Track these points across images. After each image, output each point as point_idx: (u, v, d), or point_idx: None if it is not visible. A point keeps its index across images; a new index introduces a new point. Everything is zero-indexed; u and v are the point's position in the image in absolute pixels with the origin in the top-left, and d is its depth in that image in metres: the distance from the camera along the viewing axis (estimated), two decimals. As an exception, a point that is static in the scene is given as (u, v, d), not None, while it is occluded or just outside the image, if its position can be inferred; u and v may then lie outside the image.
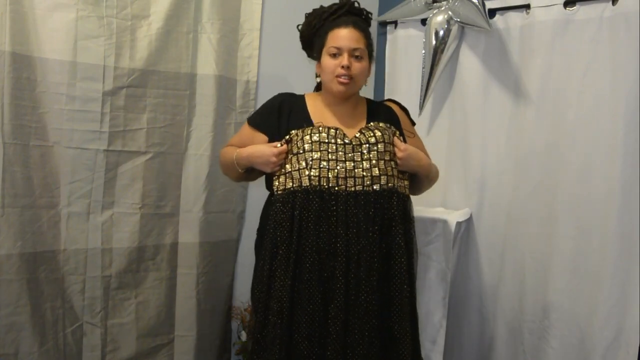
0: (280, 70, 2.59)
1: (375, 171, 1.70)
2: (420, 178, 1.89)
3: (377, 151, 1.72)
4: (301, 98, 1.86)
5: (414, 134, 1.94)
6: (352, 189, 1.68)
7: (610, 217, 1.94)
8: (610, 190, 1.95)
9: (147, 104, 2.24)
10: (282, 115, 1.81)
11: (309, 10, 1.92)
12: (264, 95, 2.53)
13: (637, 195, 1.90)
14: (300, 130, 1.74)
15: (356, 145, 1.72)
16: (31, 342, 2.08)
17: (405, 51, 2.61)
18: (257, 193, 2.56)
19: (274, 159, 1.73)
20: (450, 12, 2.28)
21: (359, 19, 1.82)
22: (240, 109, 2.48)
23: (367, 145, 1.72)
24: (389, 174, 1.73)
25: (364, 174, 1.69)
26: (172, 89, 2.29)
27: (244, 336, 2.48)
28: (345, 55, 1.72)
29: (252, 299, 1.79)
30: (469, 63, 2.37)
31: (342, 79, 1.73)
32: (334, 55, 1.74)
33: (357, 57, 1.74)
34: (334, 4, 1.85)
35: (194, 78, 2.34)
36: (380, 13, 2.74)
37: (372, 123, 1.80)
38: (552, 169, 2.13)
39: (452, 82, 2.45)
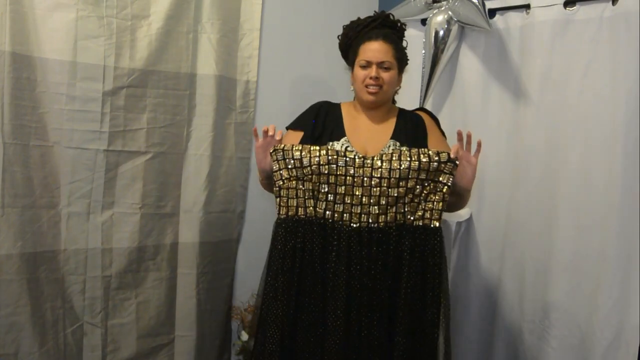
0: (280, 70, 2.59)
1: (383, 207, 1.63)
2: (460, 201, 1.80)
3: (389, 183, 1.62)
4: (337, 106, 1.93)
5: (445, 145, 1.88)
6: (356, 224, 1.65)
7: (610, 217, 1.94)
8: (610, 190, 1.95)
9: (147, 104, 2.25)
10: (319, 116, 1.88)
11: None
12: (264, 95, 2.55)
13: (637, 195, 1.90)
14: (303, 148, 1.69)
15: (366, 178, 1.63)
16: (31, 342, 2.08)
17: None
18: (257, 193, 2.56)
19: (258, 149, 1.76)
20: (450, 12, 2.28)
21: (390, 31, 1.89)
22: (240, 109, 2.48)
23: (379, 175, 1.63)
24: (398, 210, 1.63)
25: (370, 210, 1.63)
26: (172, 89, 2.29)
27: (244, 336, 2.48)
28: (374, 67, 1.80)
29: (259, 318, 1.79)
30: (469, 63, 2.37)
31: (370, 89, 1.81)
32: (364, 67, 1.83)
33: (385, 68, 1.82)
34: (369, 17, 1.92)
35: (194, 78, 2.34)
36: (380, 13, 2.74)
37: (392, 148, 1.76)
38: (552, 169, 2.13)
39: (452, 82, 2.45)
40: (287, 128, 1.94)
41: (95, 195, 2.19)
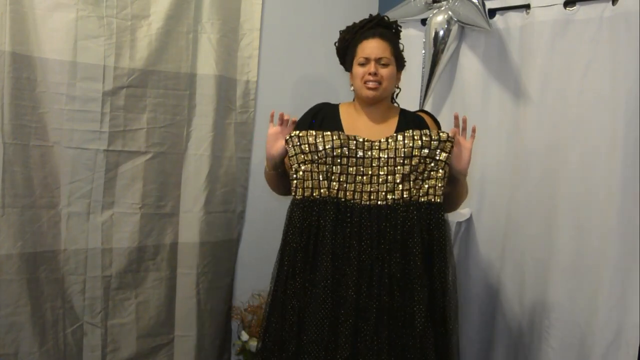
0: (280, 70, 2.59)
1: (390, 185, 1.73)
2: (459, 189, 1.86)
3: (395, 162, 1.73)
4: (336, 107, 1.95)
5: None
6: (367, 202, 1.74)
7: (610, 217, 1.94)
8: (610, 190, 1.95)
9: (147, 104, 2.24)
10: (316, 120, 1.91)
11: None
12: (264, 95, 2.55)
13: (637, 195, 1.90)
14: (317, 134, 1.77)
15: (374, 159, 1.75)
16: (31, 342, 2.08)
17: (405, 51, 2.60)
18: (257, 193, 2.56)
19: (270, 135, 1.84)
20: (450, 12, 2.28)
21: (387, 31, 1.91)
22: (240, 109, 2.48)
23: (386, 156, 1.74)
24: (404, 187, 1.73)
25: (379, 188, 1.73)
26: (172, 89, 2.29)
27: (244, 336, 2.48)
28: (372, 63, 1.83)
29: (272, 299, 1.82)
30: (469, 63, 2.37)
31: (369, 85, 1.83)
32: (362, 65, 1.85)
33: (383, 64, 1.84)
34: (364, 19, 1.94)
35: (194, 78, 2.34)
36: (380, 13, 2.73)
37: (399, 132, 1.81)
38: (552, 169, 2.13)
39: (452, 82, 2.45)
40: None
41: (95, 195, 2.19)
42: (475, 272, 2.38)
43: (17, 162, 2.02)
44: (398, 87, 2.00)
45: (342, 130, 1.85)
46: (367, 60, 1.84)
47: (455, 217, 2.21)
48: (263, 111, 2.54)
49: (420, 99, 2.43)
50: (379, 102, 1.88)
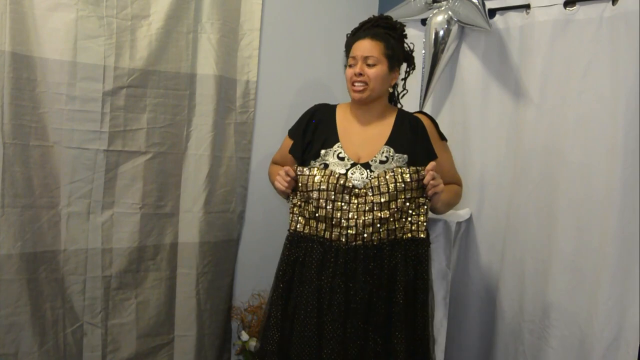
0: (280, 70, 2.59)
1: (376, 227, 1.74)
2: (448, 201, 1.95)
3: (381, 206, 1.74)
4: (333, 109, 1.94)
5: (443, 149, 1.96)
6: (353, 243, 1.75)
7: (610, 217, 1.94)
8: (610, 190, 1.95)
9: (147, 104, 2.24)
10: (309, 124, 1.91)
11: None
12: (264, 95, 2.55)
13: (637, 195, 1.90)
14: (307, 170, 1.79)
15: (360, 201, 1.74)
16: (31, 342, 2.08)
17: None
18: (257, 193, 2.56)
19: (281, 185, 1.82)
20: (450, 12, 2.28)
21: (383, 31, 1.87)
22: (240, 109, 2.48)
23: (372, 200, 1.74)
24: (389, 227, 1.75)
25: (365, 230, 1.74)
26: (172, 89, 2.29)
27: (244, 336, 2.48)
28: (359, 64, 1.82)
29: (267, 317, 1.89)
30: (469, 63, 2.37)
31: (356, 86, 1.82)
32: (351, 66, 1.85)
33: (369, 64, 1.82)
34: (365, 20, 1.93)
35: (194, 78, 2.34)
36: (380, 13, 2.74)
37: (385, 155, 1.81)
38: (552, 169, 2.13)
39: (452, 82, 2.45)
40: (288, 133, 2.01)
41: (95, 195, 2.19)
42: (475, 272, 2.38)
43: (17, 162, 2.02)
44: (405, 89, 1.99)
45: (337, 136, 1.85)
46: (355, 60, 1.83)
47: (455, 217, 2.21)
48: (263, 111, 2.54)
49: (420, 99, 2.43)
50: (371, 103, 1.86)
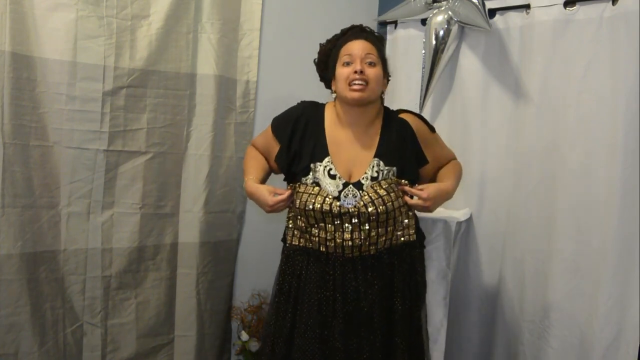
0: (280, 70, 2.58)
1: (373, 238, 1.74)
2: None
3: (377, 220, 1.73)
4: (321, 109, 1.84)
5: (435, 140, 1.91)
6: (350, 255, 1.73)
7: (610, 217, 1.94)
8: (610, 190, 1.95)
9: (147, 104, 2.24)
10: (296, 131, 1.80)
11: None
12: (264, 95, 2.55)
13: (637, 195, 1.90)
14: (302, 187, 1.76)
15: (353, 216, 1.71)
16: (31, 342, 2.08)
17: (405, 51, 2.61)
18: (257, 193, 2.56)
19: (268, 208, 1.78)
20: (450, 12, 2.28)
21: (372, 36, 1.82)
22: (240, 109, 2.48)
23: (366, 215, 1.71)
24: (387, 237, 1.76)
25: (361, 242, 1.73)
26: (172, 89, 2.29)
27: (244, 336, 2.48)
28: (358, 61, 1.71)
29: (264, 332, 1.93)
30: (469, 63, 2.37)
31: (355, 86, 1.70)
32: (347, 64, 1.73)
33: (370, 63, 1.73)
34: (346, 27, 1.86)
35: (194, 78, 2.34)
36: (380, 13, 2.74)
37: (376, 170, 1.76)
38: (552, 169, 2.13)
39: (452, 82, 2.45)
40: (272, 124, 1.90)
41: (95, 195, 2.19)
42: (475, 272, 2.38)
43: (17, 162, 2.02)
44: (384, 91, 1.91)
45: (327, 149, 1.77)
46: (352, 58, 1.71)
47: (455, 217, 2.21)
48: (263, 111, 2.54)
49: (420, 99, 2.43)
50: (365, 106, 1.76)
